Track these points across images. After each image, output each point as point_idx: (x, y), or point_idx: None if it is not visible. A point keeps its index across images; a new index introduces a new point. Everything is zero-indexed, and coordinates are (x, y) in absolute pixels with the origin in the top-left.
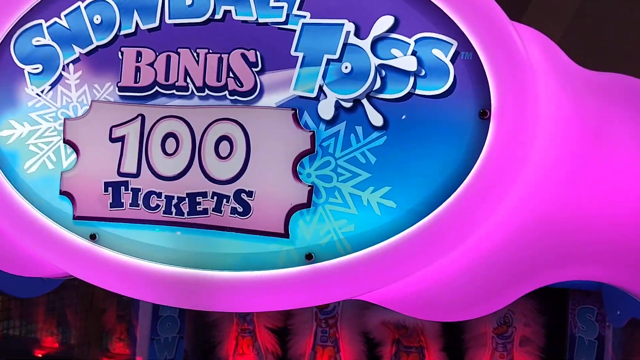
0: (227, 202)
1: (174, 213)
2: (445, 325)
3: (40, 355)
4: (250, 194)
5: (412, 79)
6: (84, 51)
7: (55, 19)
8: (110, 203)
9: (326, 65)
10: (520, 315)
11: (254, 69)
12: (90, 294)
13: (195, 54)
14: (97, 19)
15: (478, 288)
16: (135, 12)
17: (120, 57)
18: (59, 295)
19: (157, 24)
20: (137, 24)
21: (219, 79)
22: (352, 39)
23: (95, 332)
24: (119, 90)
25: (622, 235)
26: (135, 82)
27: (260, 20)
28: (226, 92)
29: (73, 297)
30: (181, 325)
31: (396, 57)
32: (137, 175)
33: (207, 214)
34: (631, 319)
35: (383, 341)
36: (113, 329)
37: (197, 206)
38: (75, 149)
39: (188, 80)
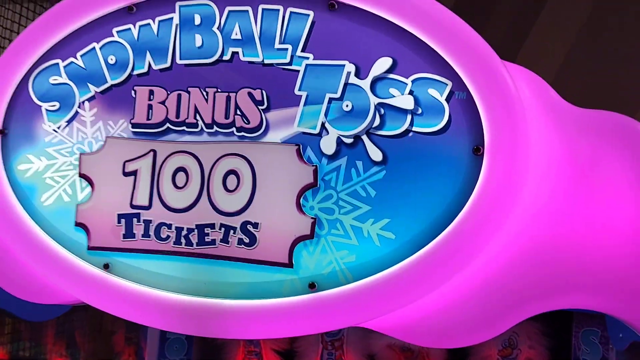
0: (234, 233)
1: (183, 244)
2: (451, 349)
3: None
4: (256, 225)
5: (409, 117)
6: (99, 90)
7: (72, 59)
8: (123, 234)
9: (328, 103)
10: (525, 338)
11: (260, 107)
12: (99, 316)
13: (204, 93)
14: (111, 59)
15: (475, 316)
16: (148, 53)
17: (134, 95)
18: (69, 317)
19: (168, 64)
20: (149, 64)
21: (227, 116)
22: (353, 79)
23: (104, 354)
24: (132, 127)
25: (612, 265)
26: (148, 119)
27: (266, 61)
28: (234, 129)
29: (82, 319)
30: (189, 347)
31: (394, 96)
32: (148, 207)
33: (215, 244)
34: (632, 342)
35: None
36: (122, 351)
37: (206, 237)
38: (90, 183)
39: (198, 117)
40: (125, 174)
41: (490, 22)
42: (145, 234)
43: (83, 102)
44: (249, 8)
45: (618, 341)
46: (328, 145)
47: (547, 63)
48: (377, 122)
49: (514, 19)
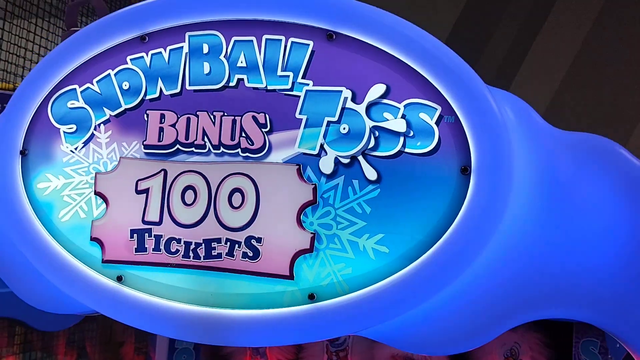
0: (239, 247)
1: (191, 257)
2: (453, 359)
3: None
4: (259, 240)
5: (402, 139)
6: (113, 113)
7: (88, 84)
8: (135, 248)
9: (327, 126)
10: (527, 348)
11: (263, 130)
12: (109, 327)
13: (212, 117)
14: (125, 85)
15: (463, 325)
16: (160, 79)
17: (146, 118)
18: (80, 328)
19: (178, 89)
20: (161, 90)
21: (232, 138)
22: (349, 104)
23: None
24: (145, 148)
25: (597, 280)
26: (159, 141)
27: (269, 87)
28: (239, 150)
29: (93, 330)
30: (196, 357)
31: (388, 120)
32: (159, 223)
33: (221, 258)
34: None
35: None
36: None
37: (212, 251)
38: (105, 200)
39: (205, 139)
40: (138, 192)
41: (487, 49)
42: (156, 248)
43: (99, 125)
44: (253, 38)
45: (615, 351)
46: (326, 165)
47: (543, 88)
48: (372, 143)
49: (510, 47)
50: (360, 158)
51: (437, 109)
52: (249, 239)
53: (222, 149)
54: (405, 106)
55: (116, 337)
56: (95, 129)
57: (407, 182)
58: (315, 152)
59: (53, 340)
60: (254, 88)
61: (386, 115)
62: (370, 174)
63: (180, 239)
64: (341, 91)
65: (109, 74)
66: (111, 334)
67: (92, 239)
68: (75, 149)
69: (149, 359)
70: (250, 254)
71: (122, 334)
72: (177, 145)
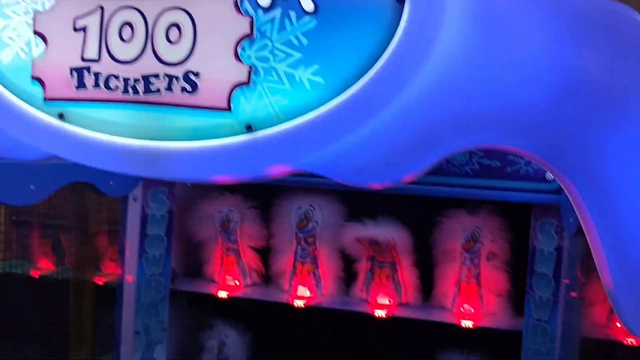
0: (177, 81)
1: (131, 93)
2: (417, 242)
3: (37, 277)
4: (197, 74)
5: None
6: None
7: None
8: (75, 86)
9: None
10: (487, 232)
11: None
12: (83, 219)
13: None
14: None
15: (398, 153)
16: None
17: None
18: (53, 219)
19: None
20: None
21: None
22: None
23: (88, 254)
24: None
25: (524, 111)
26: None
27: None
28: None
29: (66, 223)
30: (168, 242)
31: None
32: (98, 60)
33: (160, 92)
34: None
35: (359, 257)
36: (105, 251)
37: (151, 86)
38: (44, 40)
39: None
40: (76, 30)
41: None
42: (96, 85)
43: None
44: None
45: (569, 226)
46: None
47: None
48: None
49: None
50: None
51: None
52: (187, 73)
53: None
54: None
55: (90, 228)
56: None
57: (343, 13)
58: None
59: (26, 231)
60: None
61: None
62: (308, 5)
63: (118, 76)
64: None
65: None
66: (86, 225)
67: (33, 77)
68: None
69: (122, 248)
70: (189, 88)
71: (96, 224)
72: None
